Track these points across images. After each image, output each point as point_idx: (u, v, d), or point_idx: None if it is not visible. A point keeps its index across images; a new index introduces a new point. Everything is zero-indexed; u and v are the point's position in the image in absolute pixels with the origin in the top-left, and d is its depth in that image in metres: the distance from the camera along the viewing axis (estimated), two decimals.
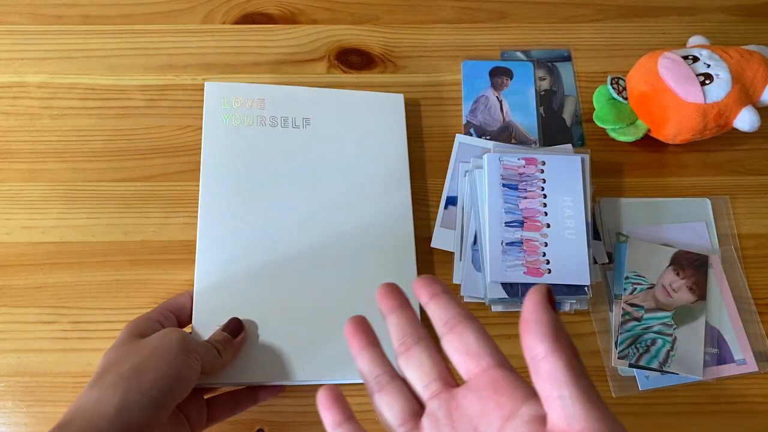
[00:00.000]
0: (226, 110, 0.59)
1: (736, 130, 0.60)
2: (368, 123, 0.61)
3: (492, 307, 0.57)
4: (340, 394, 0.35)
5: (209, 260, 0.54)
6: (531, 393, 0.30)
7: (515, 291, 0.55)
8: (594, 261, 0.58)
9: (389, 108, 0.62)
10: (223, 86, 0.60)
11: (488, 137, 0.64)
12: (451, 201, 0.60)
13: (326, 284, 0.55)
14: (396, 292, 0.36)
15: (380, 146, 0.60)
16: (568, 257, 0.55)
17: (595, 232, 0.59)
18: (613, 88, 0.62)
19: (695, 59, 0.60)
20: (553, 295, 0.34)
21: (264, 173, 0.58)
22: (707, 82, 0.58)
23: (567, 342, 0.30)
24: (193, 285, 0.57)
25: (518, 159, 0.59)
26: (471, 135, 0.64)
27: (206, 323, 0.52)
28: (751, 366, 0.55)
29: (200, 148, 0.61)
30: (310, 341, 0.53)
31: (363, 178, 0.59)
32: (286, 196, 0.57)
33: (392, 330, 0.35)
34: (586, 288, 0.55)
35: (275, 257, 0.55)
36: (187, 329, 0.52)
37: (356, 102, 0.62)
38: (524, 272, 0.55)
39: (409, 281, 0.51)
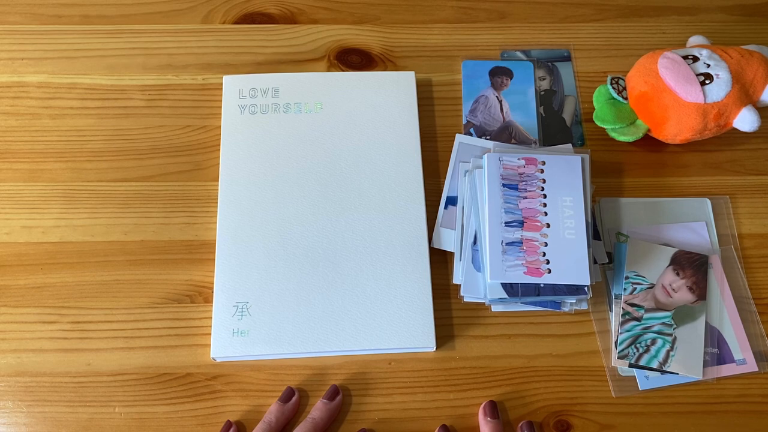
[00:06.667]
0: (243, 101, 0.62)
1: (736, 130, 0.60)
2: (380, 101, 0.63)
3: (492, 307, 0.57)
4: None
5: (229, 241, 0.57)
6: None
7: (515, 291, 0.55)
8: (594, 261, 0.58)
9: (400, 85, 0.64)
10: (239, 78, 0.64)
11: (488, 137, 0.64)
12: (451, 201, 0.60)
13: (341, 258, 0.57)
14: None
15: (392, 121, 0.62)
16: (568, 257, 0.55)
17: (595, 232, 0.59)
18: (613, 88, 0.62)
19: (695, 59, 0.60)
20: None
21: (280, 156, 0.60)
22: (707, 81, 0.58)
23: None
24: (192, 285, 0.58)
25: (518, 159, 0.59)
26: (471, 135, 0.64)
27: (226, 301, 0.55)
28: (751, 366, 0.55)
29: (200, 148, 0.63)
30: (325, 315, 0.55)
31: (376, 154, 0.61)
32: (302, 176, 0.60)
33: None
34: (586, 288, 0.55)
35: (292, 235, 0.57)
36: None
37: (368, 82, 0.64)
38: (524, 272, 0.55)
39: (422, 251, 0.57)
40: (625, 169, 0.63)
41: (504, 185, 0.58)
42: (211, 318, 0.55)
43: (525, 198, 0.58)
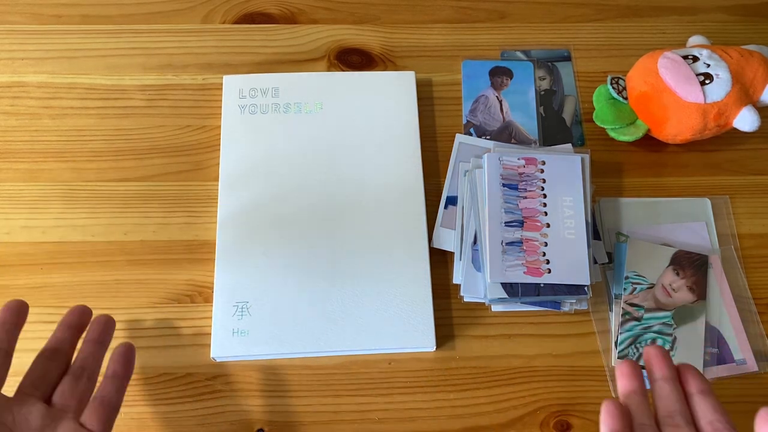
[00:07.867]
0: (243, 101, 0.62)
1: (736, 130, 0.60)
2: (380, 101, 0.63)
3: (492, 307, 0.57)
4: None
5: (229, 241, 0.57)
6: None
7: (515, 291, 0.55)
8: (594, 261, 0.58)
9: (400, 85, 0.64)
10: (239, 78, 0.63)
11: (488, 137, 0.64)
12: (451, 201, 0.60)
13: (341, 258, 0.57)
14: (668, 360, 0.43)
15: (392, 121, 0.62)
16: (568, 257, 0.55)
17: (595, 232, 0.59)
18: (613, 87, 0.62)
19: (695, 59, 0.60)
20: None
21: (280, 156, 0.60)
22: (707, 81, 0.58)
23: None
24: (192, 285, 0.58)
25: (518, 159, 0.59)
26: (471, 135, 0.64)
27: (226, 301, 0.55)
28: (751, 366, 0.55)
29: (200, 148, 0.63)
30: (325, 315, 0.55)
31: (376, 154, 0.61)
32: (302, 177, 0.60)
33: (661, 397, 0.41)
34: (586, 288, 0.55)
35: (290, 236, 0.57)
36: None
37: (368, 82, 0.64)
38: (524, 272, 0.55)
39: (422, 251, 0.57)
40: (625, 169, 0.63)
41: (504, 185, 0.58)
42: (211, 318, 0.55)
43: (525, 198, 0.58)
